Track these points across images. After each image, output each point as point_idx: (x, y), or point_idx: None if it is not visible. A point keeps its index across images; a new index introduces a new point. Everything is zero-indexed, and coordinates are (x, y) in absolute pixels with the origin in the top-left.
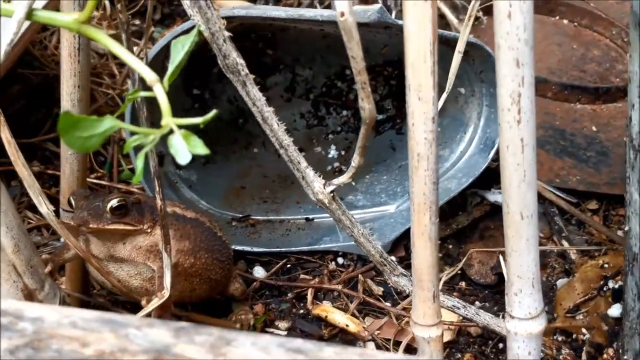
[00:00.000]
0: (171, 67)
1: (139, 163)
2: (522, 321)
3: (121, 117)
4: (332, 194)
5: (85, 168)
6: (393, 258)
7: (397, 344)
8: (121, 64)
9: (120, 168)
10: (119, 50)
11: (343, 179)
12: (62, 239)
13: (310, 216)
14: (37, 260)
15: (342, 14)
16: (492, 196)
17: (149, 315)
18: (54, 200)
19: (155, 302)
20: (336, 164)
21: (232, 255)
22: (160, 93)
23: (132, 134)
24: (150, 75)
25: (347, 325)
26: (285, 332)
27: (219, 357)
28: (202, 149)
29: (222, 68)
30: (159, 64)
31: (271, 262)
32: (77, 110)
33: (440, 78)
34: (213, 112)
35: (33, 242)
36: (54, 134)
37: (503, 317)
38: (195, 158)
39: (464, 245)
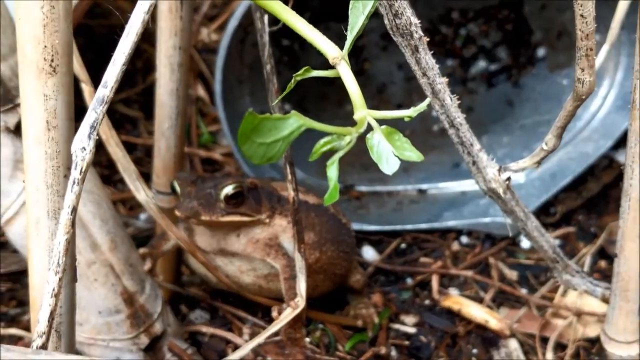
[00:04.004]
0: (350, 35)
1: (331, 173)
2: None
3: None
4: (507, 182)
5: (183, 144)
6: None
7: (542, 340)
8: None
9: (200, 130)
10: (297, 22)
11: (525, 163)
12: (142, 216)
13: (424, 187)
14: (135, 257)
15: None
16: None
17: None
18: None
19: (289, 315)
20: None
21: (355, 243)
22: (347, 74)
23: (224, 101)
24: (332, 51)
25: (486, 321)
26: (415, 330)
27: None
28: (414, 154)
29: (389, 29)
30: None
31: (382, 241)
32: (176, 76)
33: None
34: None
35: None
36: (124, 93)
37: None
38: None
39: (596, 217)
